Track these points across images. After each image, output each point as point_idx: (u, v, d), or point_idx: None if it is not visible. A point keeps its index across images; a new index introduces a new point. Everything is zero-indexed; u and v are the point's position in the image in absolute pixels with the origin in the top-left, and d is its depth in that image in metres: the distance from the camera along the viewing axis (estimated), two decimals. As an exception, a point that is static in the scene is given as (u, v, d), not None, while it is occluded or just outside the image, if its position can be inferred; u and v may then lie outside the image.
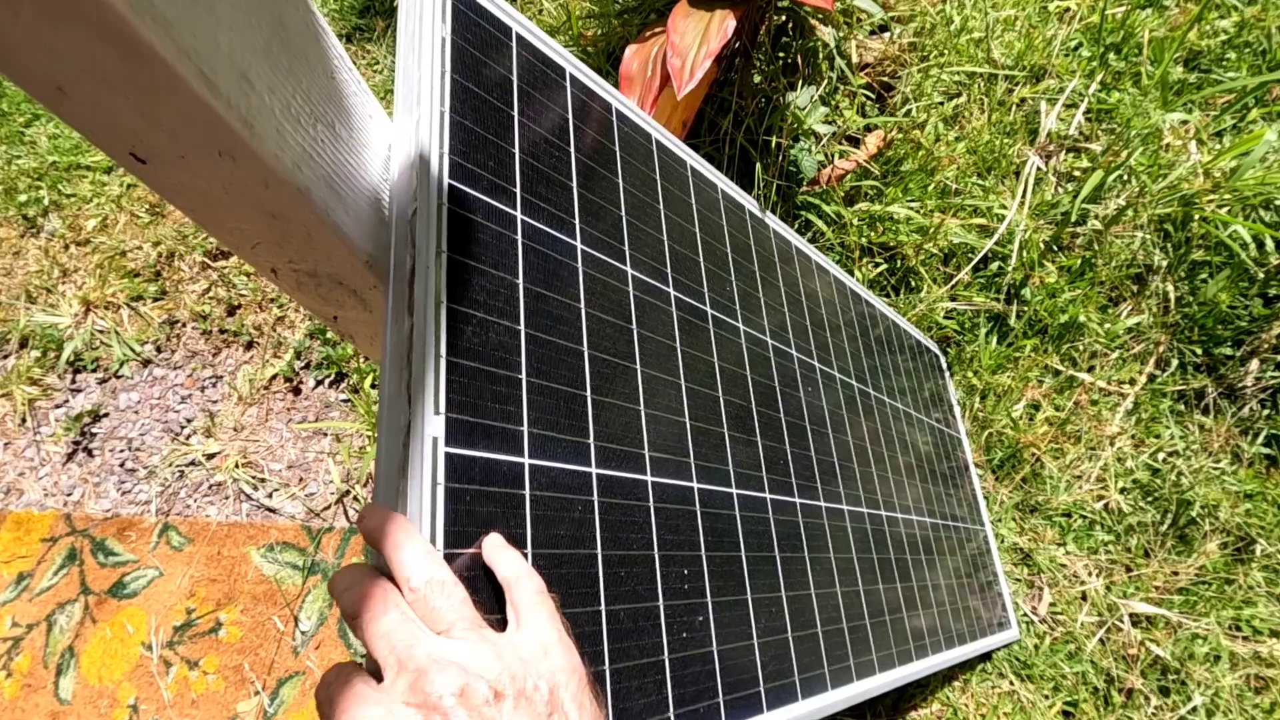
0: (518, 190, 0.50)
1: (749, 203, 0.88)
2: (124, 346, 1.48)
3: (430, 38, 0.46)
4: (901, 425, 1.12)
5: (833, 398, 0.93)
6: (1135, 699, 1.18)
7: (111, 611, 1.23)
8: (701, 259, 0.73)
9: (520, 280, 0.48)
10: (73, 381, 1.46)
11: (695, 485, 0.60)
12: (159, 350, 1.49)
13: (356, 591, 0.34)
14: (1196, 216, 1.42)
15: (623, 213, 0.62)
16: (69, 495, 1.34)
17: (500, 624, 0.37)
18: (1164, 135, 1.51)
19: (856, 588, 0.82)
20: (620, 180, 0.64)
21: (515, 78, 0.54)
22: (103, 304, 1.51)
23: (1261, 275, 1.39)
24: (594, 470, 0.49)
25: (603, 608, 0.46)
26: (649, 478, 0.54)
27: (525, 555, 0.41)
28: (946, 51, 1.54)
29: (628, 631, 0.47)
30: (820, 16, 1.35)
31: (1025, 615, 1.28)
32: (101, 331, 1.49)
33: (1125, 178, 1.49)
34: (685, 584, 0.54)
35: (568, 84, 0.60)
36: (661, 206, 0.69)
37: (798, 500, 0.76)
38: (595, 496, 0.49)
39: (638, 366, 0.57)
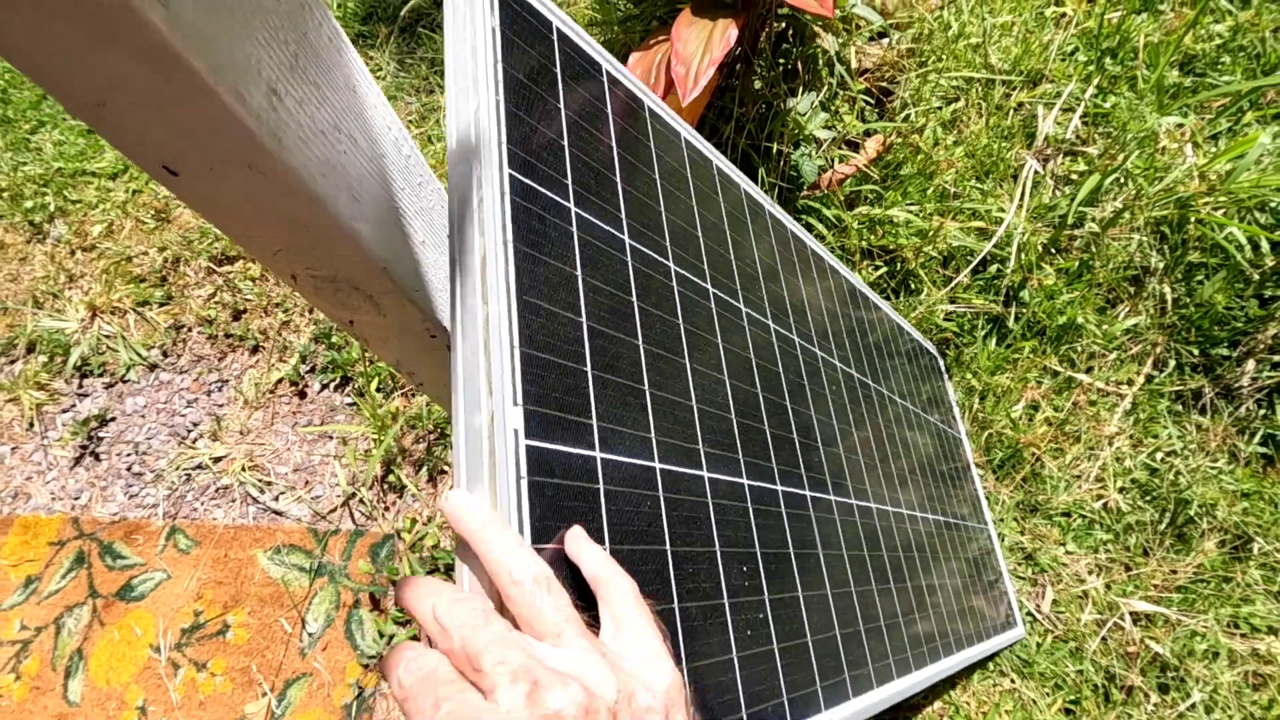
0: (569, 182, 0.50)
1: (767, 202, 0.89)
2: (130, 351, 1.49)
3: (482, 28, 0.46)
4: (909, 424, 1.14)
5: (853, 395, 0.94)
6: (1135, 696, 1.19)
7: (119, 614, 1.24)
8: (733, 256, 0.74)
9: (579, 272, 0.48)
10: (79, 386, 1.47)
11: (745, 482, 0.60)
12: (165, 355, 1.50)
13: (443, 597, 0.31)
14: (1192, 219, 1.44)
15: (661, 209, 0.62)
16: (76, 499, 1.35)
17: (593, 625, 0.34)
18: (1160, 139, 1.52)
19: (888, 585, 0.83)
20: (657, 176, 0.64)
21: (558, 71, 0.54)
22: (109, 309, 1.53)
23: (1257, 277, 1.40)
24: (657, 465, 0.49)
25: (675, 605, 0.46)
26: (705, 473, 0.54)
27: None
28: (944, 57, 1.56)
29: (699, 630, 0.47)
30: (820, 23, 1.37)
31: (1029, 614, 1.29)
32: (108, 336, 1.51)
33: (1122, 181, 1.50)
34: (745, 581, 0.54)
35: (604, 79, 0.60)
36: (695, 203, 0.69)
37: (833, 498, 0.76)
38: (661, 492, 0.48)
39: (687, 361, 0.57)
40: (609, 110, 0.59)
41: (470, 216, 0.42)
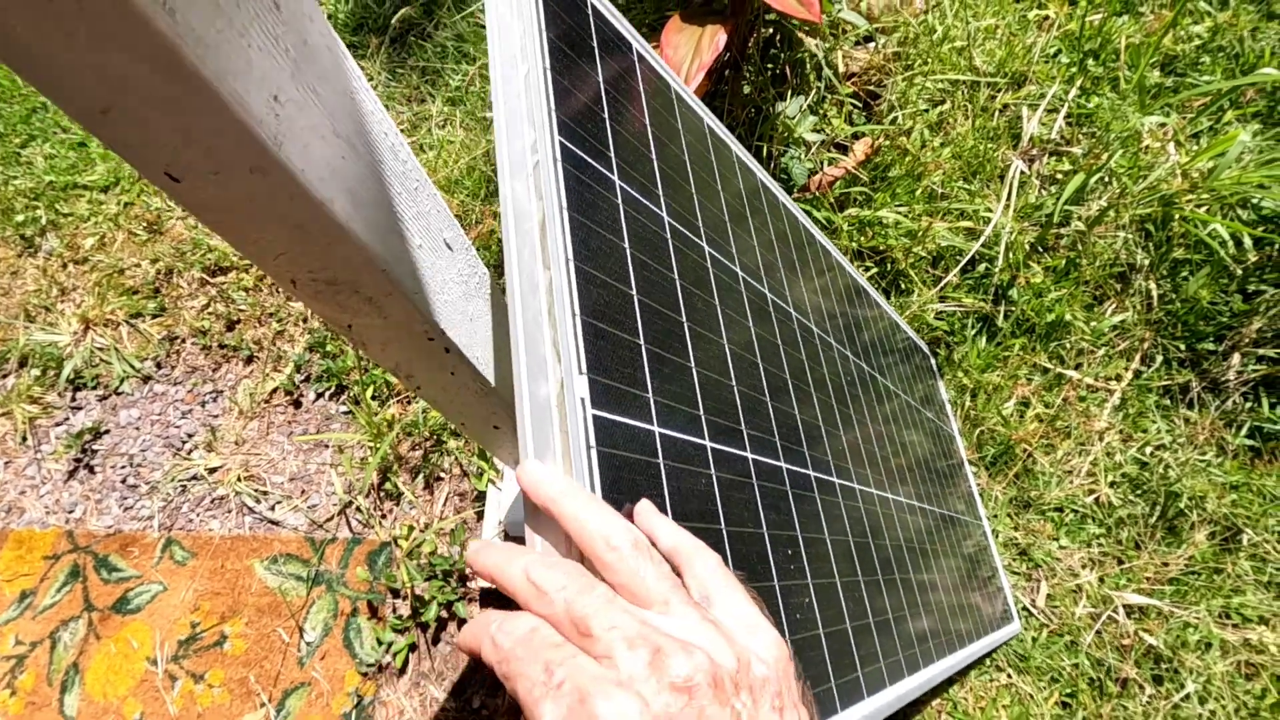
0: (613, 155, 0.49)
1: (780, 193, 0.90)
2: (124, 363, 1.48)
3: None
4: (909, 419, 1.15)
5: (864, 388, 0.96)
6: (1130, 688, 1.20)
7: (115, 627, 1.23)
8: (755, 242, 0.74)
9: (627, 245, 0.47)
10: (73, 399, 1.47)
11: (783, 465, 0.60)
12: (159, 366, 1.50)
13: (533, 559, 0.29)
14: (1176, 216, 1.46)
15: (692, 189, 0.62)
16: (71, 512, 1.34)
17: None
18: (1143, 138, 1.55)
19: (909, 575, 0.84)
20: (686, 157, 0.64)
21: (595, 45, 0.53)
22: (102, 322, 1.52)
23: (1240, 272, 1.42)
24: (708, 444, 0.48)
25: None
26: (749, 454, 0.54)
27: None
28: (930, 60, 1.58)
29: None
30: (807, 29, 1.39)
31: (1025, 608, 1.30)
32: (101, 349, 1.50)
33: (1106, 179, 1.53)
34: (790, 564, 0.53)
35: (635, 58, 0.60)
36: (720, 187, 0.70)
37: (856, 486, 0.77)
38: (712, 471, 0.47)
39: (724, 342, 0.57)
40: (640, 87, 0.59)
41: (525, 181, 0.41)
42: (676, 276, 0.53)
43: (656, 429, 0.42)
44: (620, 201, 0.48)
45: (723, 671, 0.26)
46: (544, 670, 0.25)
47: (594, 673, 0.25)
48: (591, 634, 0.26)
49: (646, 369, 0.44)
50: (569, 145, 0.44)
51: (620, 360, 0.41)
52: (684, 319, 0.51)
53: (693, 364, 0.50)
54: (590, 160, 0.46)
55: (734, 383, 0.56)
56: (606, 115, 0.51)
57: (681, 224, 0.57)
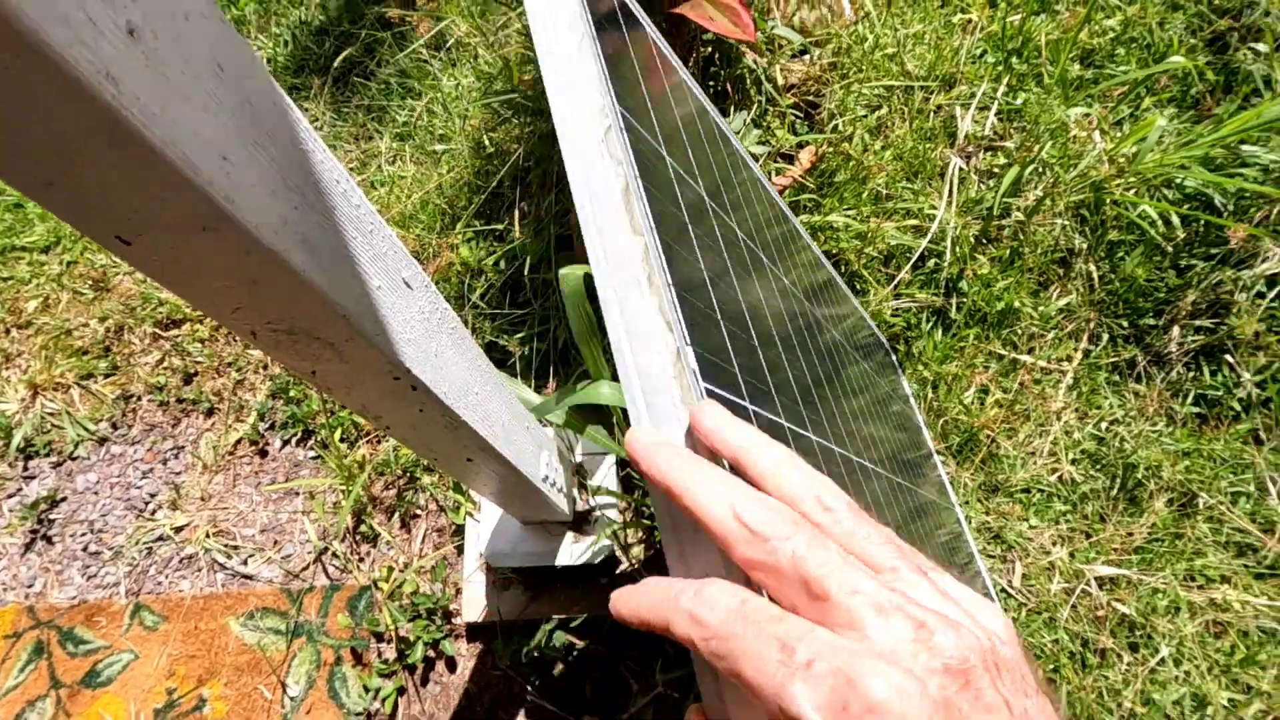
0: (657, 130, 0.48)
1: (768, 183, 0.92)
2: (77, 427, 1.44)
3: None
4: (882, 409, 1.18)
5: (865, 377, 0.97)
6: (1109, 658, 1.24)
7: (86, 703, 1.18)
8: (764, 225, 0.76)
9: (687, 221, 0.45)
10: (25, 469, 1.41)
11: (835, 449, 0.58)
12: (115, 427, 1.46)
13: (740, 494, 0.24)
14: (1108, 200, 1.54)
15: (716, 176, 0.63)
16: (30, 586, 1.29)
17: None
18: (1070, 128, 1.62)
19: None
20: (703, 137, 0.64)
21: (621, 19, 0.52)
22: (50, 386, 1.47)
23: (1171, 249, 1.50)
24: (785, 423, 0.45)
25: None
26: (812, 436, 0.52)
27: None
28: (864, 68, 1.64)
29: None
30: (745, 45, 1.43)
31: (1003, 590, 1.33)
32: (52, 414, 1.45)
33: (1040, 170, 1.60)
34: None
35: (650, 37, 0.60)
36: (731, 171, 0.71)
37: (885, 474, 0.78)
38: (793, 450, 0.46)
39: (770, 320, 0.56)
40: (659, 65, 0.59)
41: (597, 146, 0.40)
42: (724, 249, 0.51)
43: (749, 405, 0.40)
44: (670, 173, 0.47)
45: (987, 652, 0.22)
46: (780, 648, 0.21)
47: (848, 647, 0.21)
48: (829, 597, 0.22)
49: (729, 344, 0.41)
50: (626, 114, 0.43)
51: (705, 332, 0.38)
52: (740, 297, 0.49)
53: (755, 340, 0.48)
54: (643, 132, 0.45)
55: (784, 363, 0.54)
56: (644, 90, 0.50)
57: (720, 209, 0.57)
